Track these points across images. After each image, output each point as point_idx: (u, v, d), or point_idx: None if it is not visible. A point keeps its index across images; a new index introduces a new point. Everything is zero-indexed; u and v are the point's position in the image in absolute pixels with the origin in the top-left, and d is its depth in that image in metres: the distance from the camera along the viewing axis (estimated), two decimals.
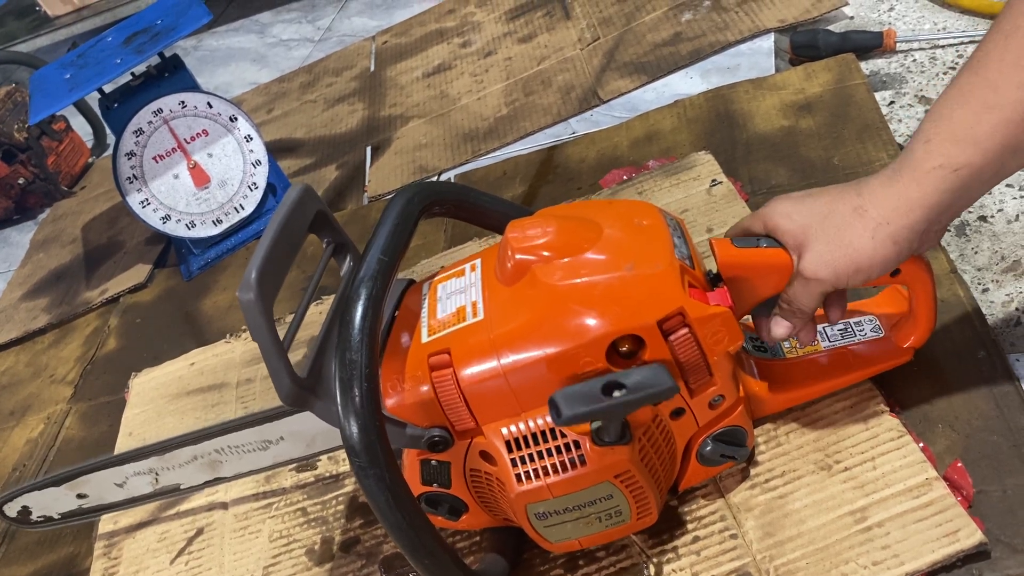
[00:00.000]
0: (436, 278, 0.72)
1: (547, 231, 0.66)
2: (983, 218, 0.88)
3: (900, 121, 1.03)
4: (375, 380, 0.60)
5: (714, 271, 0.69)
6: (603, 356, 0.63)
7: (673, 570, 0.70)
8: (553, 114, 1.31)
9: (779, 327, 0.68)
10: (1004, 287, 0.81)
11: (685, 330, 0.64)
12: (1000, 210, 0.88)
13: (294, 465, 0.92)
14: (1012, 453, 0.67)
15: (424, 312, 0.69)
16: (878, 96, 1.07)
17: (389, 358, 0.68)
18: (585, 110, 1.29)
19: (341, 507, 0.87)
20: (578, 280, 0.64)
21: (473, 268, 0.71)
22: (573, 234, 0.66)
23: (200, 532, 0.90)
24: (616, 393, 0.60)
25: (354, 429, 0.59)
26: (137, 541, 0.93)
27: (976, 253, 0.85)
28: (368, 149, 1.48)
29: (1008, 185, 0.90)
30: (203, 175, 1.35)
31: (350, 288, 0.63)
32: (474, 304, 0.67)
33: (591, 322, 0.63)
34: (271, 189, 1.39)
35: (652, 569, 0.71)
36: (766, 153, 1.04)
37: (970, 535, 0.63)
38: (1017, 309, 0.79)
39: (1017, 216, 0.87)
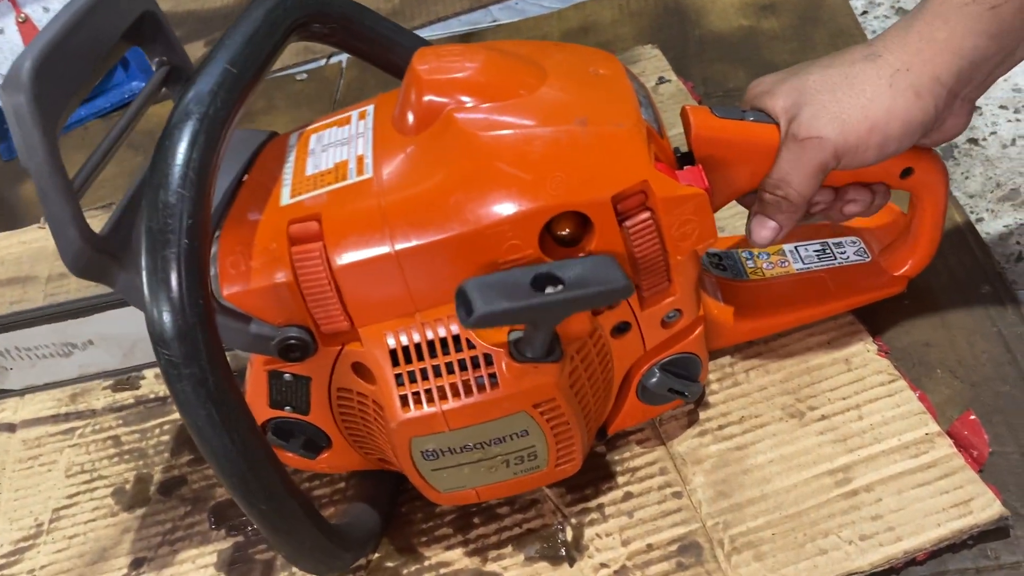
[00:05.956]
0: (309, 127, 0.53)
1: (469, 65, 0.48)
2: (973, 140, 0.75)
3: (873, 32, 0.89)
4: (203, 239, 0.41)
5: (682, 151, 0.53)
6: (535, 240, 0.46)
7: (597, 534, 0.53)
8: None
9: (762, 227, 0.52)
10: (1001, 217, 0.68)
11: (646, 214, 0.47)
12: (993, 133, 0.75)
13: (109, 381, 0.71)
14: None
15: (288, 168, 0.50)
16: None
17: (232, 225, 0.48)
18: None
19: (166, 438, 0.67)
20: (509, 132, 0.46)
21: (363, 115, 0.52)
22: (506, 71, 0.48)
23: None
24: (550, 289, 0.43)
25: (164, 307, 0.39)
26: None
27: (967, 179, 0.72)
28: None
29: (1002, 107, 0.77)
30: (35, 33, 1.10)
31: (176, 109, 0.43)
32: (360, 159, 0.49)
33: (523, 191, 0.45)
34: (122, 62, 1.15)
35: (569, 532, 0.54)
36: (722, 53, 0.89)
37: (986, 506, 0.49)
38: (1018, 242, 0.66)
39: (1013, 140, 0.74)
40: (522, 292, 0.43)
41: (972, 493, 0.49)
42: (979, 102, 0.77)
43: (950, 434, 0.53)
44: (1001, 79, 0.79)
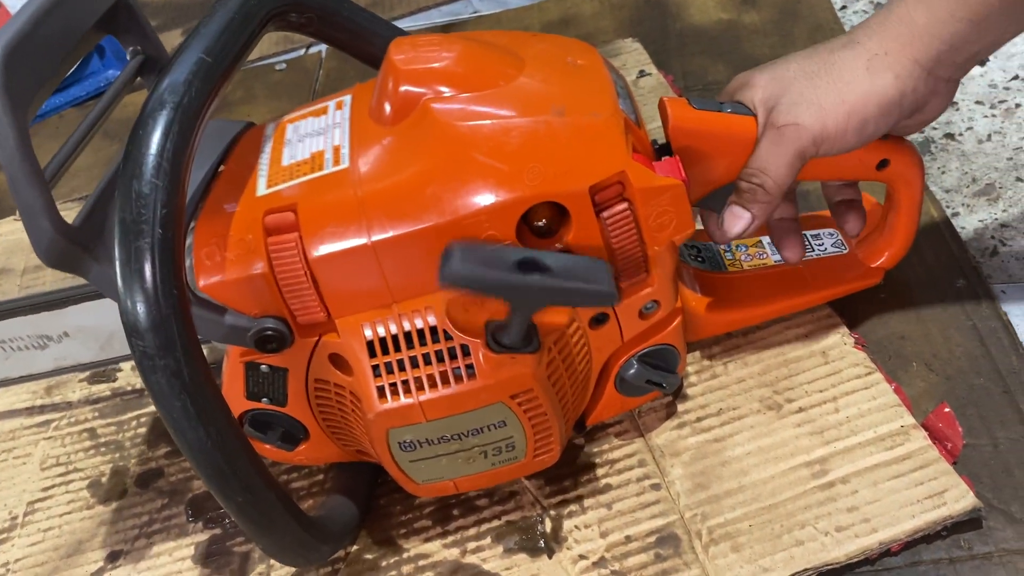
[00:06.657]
0: (286, 117, 0.53)
1: (447, 54, 0.48)
2: (950, 135, 0.75)
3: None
4: (177, 229, 0.41)
5: (660, 142, 0.53)
6: (512, 230, 0.46)
7: (575, 526, 0.53)
8: None
9: (735, 218, 0.52)
10: (976, 212, 0.68)
11: (624, 205, 0.47)
12: (969, 128, 0.75)
13: (85, 373, 0.71)
14: (1003, 400, 0.54)
15: (264, 158, 0.50)
16: None
17: (207, 216, 0.48)
18: None
19: (143, 430, 0.67)
20: (486, 122, 0.46)
21: (340, 106, 0.51)
22: (483, 61, 0.48)
23: None
24: (534, 276, 0.43)
25: (138, 297, 0.39)
26: None
27: (943, 173, 0.72)
28: None
29: (978, 103, 0.78)
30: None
31: (150, 98, 0.43)
32: (336, 149, 0.48)
33: (500, 182, 0.45)
34: (98, 49, 1.14)
35: (548, 524, 0.54)
36: (703, 47, 0.88)
37: (959, 498, 0.49)
38: (992, 236, 0.66)
39: (989, 136, 0.74)
40: (504, 267, 0.42)
41: (946, 485, 0.50)
42: (955, 97, 0.78)
43: (925, 426, 0.53)
44: (978, 74, 0.81)
